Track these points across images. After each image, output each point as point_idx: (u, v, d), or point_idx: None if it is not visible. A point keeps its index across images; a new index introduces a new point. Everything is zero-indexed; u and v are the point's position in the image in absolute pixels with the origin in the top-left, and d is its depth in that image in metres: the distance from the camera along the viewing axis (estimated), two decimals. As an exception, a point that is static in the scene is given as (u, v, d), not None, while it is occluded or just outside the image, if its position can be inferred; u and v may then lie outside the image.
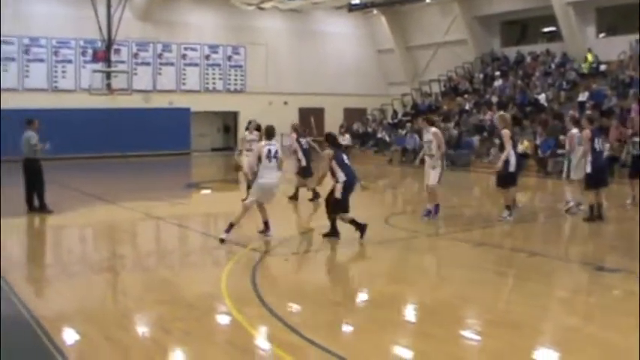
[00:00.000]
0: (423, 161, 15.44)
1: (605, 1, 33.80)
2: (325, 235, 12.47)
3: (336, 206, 12.25)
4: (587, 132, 14.64)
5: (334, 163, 12.22)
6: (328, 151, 12.35)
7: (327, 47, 43.96)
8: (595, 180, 14.57)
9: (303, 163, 18.42)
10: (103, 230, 15.14)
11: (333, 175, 12.30)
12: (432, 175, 14.58)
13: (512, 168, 14.44)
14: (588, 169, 14.60)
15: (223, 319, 8.17)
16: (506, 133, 14.43)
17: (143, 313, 8.41)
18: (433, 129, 14.71)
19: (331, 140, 12.62)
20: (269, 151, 12.41)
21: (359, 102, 43.78)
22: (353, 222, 12.33)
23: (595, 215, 14.59)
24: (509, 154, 14.38)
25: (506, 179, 14.63)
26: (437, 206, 14.80)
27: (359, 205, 12.90)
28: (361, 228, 12.28)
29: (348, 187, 12.24)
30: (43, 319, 7.75)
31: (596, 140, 14.59)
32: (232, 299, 8.59)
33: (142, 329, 7.88)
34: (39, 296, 9.40)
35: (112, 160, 34.27)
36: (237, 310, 8.14)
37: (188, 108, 38.83)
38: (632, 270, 10.48)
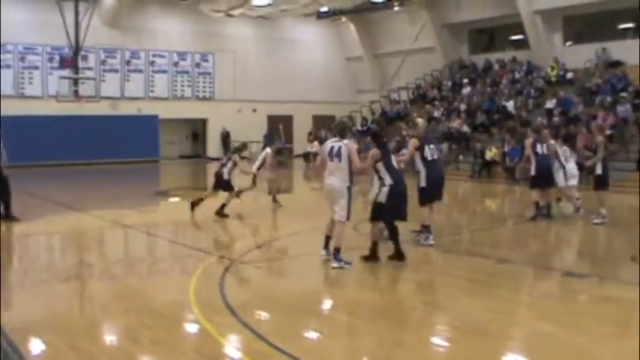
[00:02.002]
0: None
1: (572, 9, 34.17)
2: (390, 258, 11.27)
3: (379, 211, 11.16)
4: (529, 140, 15.95)
5: (380, 165, 11.14)
6: (375, 151, 11.24)
7: (295, 55, 44.02)
8: (539, 181, 15.77)
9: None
10: (71, 238, 15.00)
11: (380, 178, 11.23)
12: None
13: (422, 183, 12.79)
14: (533, 172, 15.79)
15: (192, 328, 8.10)
16: (412, 142, 12.86)
17: (111, 322, 8.33)
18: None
19: (379, 140, 11.40)
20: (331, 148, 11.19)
21: (328, 109, 43.81)
22: (396, 244, 11.24)
23: (542, 214, 15.86)
24: (420, 167, 12.75)
25: (422, 196, 12.87)
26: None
27: (325, 212, 12.87)
28: (396, 254, 11.20)
29: (395, 194, 11.06)
30: (7, 328, 7.65)
31: (538, 146, 15.71)
32: (201, 307, 8.53)
33: (109, 338, 7.81)
34: (4, 305, 9.27)
35: (80, 168, 34.04)
36: (206, 318, 8.08)
37: (156, 115, 38.66)
38: (600, 275, 10.60)
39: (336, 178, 10.99)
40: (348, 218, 11.10)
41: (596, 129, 16.36)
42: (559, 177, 16.11)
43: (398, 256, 11.22)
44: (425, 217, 13.02)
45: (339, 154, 10.98)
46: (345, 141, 11.17)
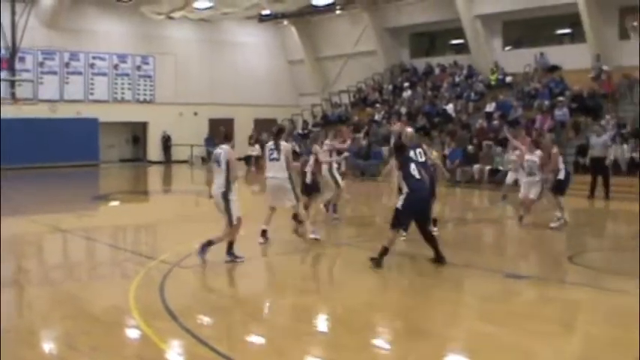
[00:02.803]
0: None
1: (511, 15, 34.66)
2: (434, 261, 11.30)
3: (394, 217, 11.23)
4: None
5: (399, 174, 11.31)
6: (392, 162, 11.62)
7: (237, 57, 43.86)
8: None
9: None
10: (8, 244, 14.65)
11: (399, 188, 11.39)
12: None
13: None
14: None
15: (132, 333, 8.00)
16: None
17: (49, 329, 8.18)
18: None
19: (397, 151, 11.64)
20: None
21: (269, 112, 43.70)
22: (384, 251, 11.08)
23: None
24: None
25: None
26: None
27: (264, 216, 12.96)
28: (379, 258, 11.03)
29: (410, 201, 11.04)
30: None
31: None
32: (141, 312, 8.43)
33: (47, 346, 7.67)
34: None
35: (18, 172, 33.34)
36: (146, 323, 7.99)
37: (96, 118, 38.15)
38: (540, 276, 10.75)
39: (275, 172, 12.81)
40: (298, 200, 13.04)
41: (548, 143, 16.27)
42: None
43: (438, 258, 11.29)
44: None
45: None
46: (283, 142, 13.00)
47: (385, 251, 11.10)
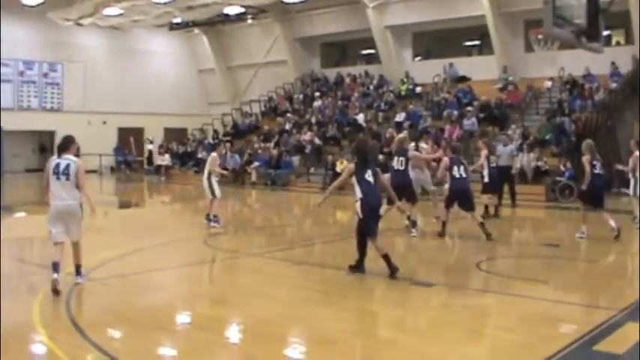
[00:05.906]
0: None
1: (421, 26, 35.26)
2: (351, 268, 11.59)
3: (361, 227, 11.55)
4: (445, 160, 15.78)
5: (354, 179, 11.45)
6: (350, 165, 11.82)
7: (147, 66, 43.49)
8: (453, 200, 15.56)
9: None
10: None
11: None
12: None
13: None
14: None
15: (37, 349, 7.80)
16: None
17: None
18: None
19: (362, 153, 11.81)
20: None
21: (180, 122, 43.49)
22: (386, 258, 11.34)
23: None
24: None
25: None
26: None
27: (179, 227, 12.81)
28: (391, 268, 11.22)
29: (367, 205, 11.28)
30: None
31: (455, 168, 15.33)
32: (46, 327, 8.25)
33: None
34: None
35: None
36: (52, 338, 7.82)
37: (-1, 127, 37.19)
38: (446, 283, 10.90)
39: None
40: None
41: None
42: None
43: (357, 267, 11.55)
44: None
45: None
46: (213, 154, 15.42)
47: (386, 258, 11.31)
